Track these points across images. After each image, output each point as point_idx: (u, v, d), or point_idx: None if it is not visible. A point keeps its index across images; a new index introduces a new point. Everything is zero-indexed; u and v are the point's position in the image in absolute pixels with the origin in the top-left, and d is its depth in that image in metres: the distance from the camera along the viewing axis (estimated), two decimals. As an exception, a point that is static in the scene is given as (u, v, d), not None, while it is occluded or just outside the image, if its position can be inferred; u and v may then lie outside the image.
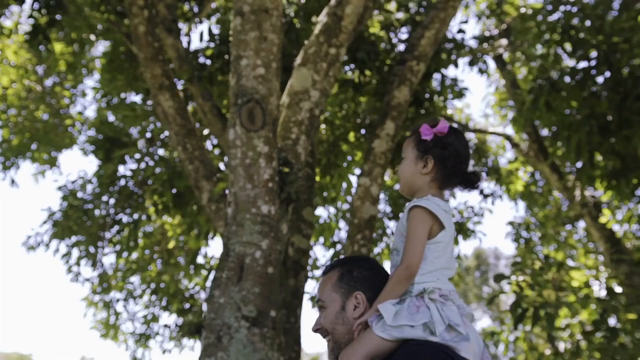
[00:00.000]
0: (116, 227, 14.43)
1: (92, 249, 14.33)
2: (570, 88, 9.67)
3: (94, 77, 15.23)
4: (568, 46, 10.01)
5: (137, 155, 14.10)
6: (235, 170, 6.61)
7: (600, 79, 9.71)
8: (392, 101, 9.47)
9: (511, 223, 15.86)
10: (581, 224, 16.21)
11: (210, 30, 10.90)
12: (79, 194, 14.13)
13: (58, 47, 13.38)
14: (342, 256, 12.92)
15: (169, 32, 10.79)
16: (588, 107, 9.59)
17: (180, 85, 11.16)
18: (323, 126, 11.46)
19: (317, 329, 2.70)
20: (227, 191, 8.30)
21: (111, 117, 14.46)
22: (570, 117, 9.77)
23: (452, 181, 2.65)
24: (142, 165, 14.05)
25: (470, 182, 2.65)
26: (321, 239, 14.01)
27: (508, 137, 13.95)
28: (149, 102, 12.86)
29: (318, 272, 13.48)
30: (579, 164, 10.38)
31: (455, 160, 2.64)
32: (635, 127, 9.28)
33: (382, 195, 13.69)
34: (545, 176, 12.95)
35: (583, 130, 9.54)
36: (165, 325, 14.50)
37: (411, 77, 9.53)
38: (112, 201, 14.29)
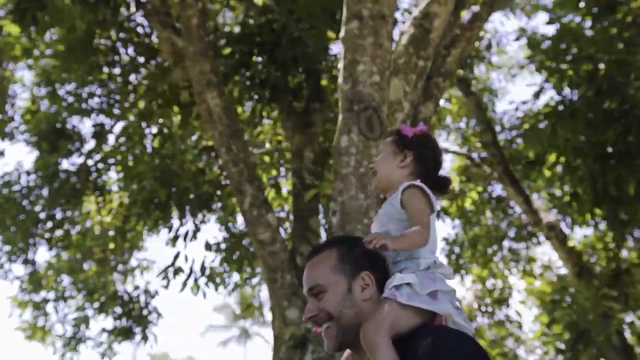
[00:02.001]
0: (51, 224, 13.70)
1: (22, 245, 13.50)
2: (578, 115, 10.05)
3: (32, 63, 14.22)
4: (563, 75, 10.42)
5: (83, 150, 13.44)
6: (346, 179, 6.40)
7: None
8: (419, 116, 9.47)
9: (445, 239, 16.27)
10: (506, 244, 16.87)
11: (216, 27, 10.51)
12: (15, 187, 13.24)
13: (15, 29, 12.45)
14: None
15: (164, 26, 10.32)
16: (589, 135, 10.00)
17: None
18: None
19: (312, 315, 2.50)
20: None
21: (51, 108, 13.59)
22: (572, 144, 10.14)
23: (428, 182, 2.60)
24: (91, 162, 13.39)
25: (443, 186, 2.65)
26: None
27: (470, 157, 14.28)
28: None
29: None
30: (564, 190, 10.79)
31: (433, 160, 2.66)
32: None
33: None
34: (510, 197, 13.37)
35: (588, 157, 9.94)
36: (104, 330, 13.73)
37: (437, 93, 9.58)
38: (48, 197, 13.49)
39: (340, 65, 6.65)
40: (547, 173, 11.89)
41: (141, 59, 12.63)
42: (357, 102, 6.44)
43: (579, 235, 12.28)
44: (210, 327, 46.28)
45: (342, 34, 6.66)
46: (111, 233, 14.29)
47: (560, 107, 10.01)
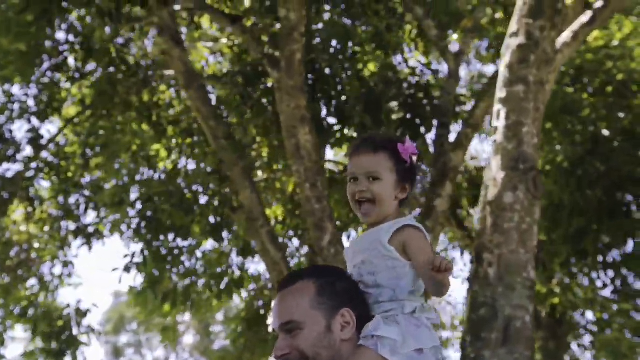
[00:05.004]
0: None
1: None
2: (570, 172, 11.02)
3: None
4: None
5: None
6: (508, 233, 6.74)
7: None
8: (450, 163, 9.98)
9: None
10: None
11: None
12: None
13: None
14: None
15: (176, 44, 10.08)
16: (580, 190, 10.99)
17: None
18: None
19: (285, 354, 2.26)
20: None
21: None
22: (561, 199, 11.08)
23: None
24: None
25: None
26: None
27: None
28: None
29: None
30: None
31: (416, 177, 2.55)
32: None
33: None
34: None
35: (573, 213, 10.91)
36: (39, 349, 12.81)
37: (466, 143, 10.19)
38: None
39: (498, 123, 6.97)
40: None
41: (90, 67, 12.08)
42: (523, 161, 6.81)
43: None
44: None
45: (503, 94, 7.00)
46: (37, 245, 13.47)
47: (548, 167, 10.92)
